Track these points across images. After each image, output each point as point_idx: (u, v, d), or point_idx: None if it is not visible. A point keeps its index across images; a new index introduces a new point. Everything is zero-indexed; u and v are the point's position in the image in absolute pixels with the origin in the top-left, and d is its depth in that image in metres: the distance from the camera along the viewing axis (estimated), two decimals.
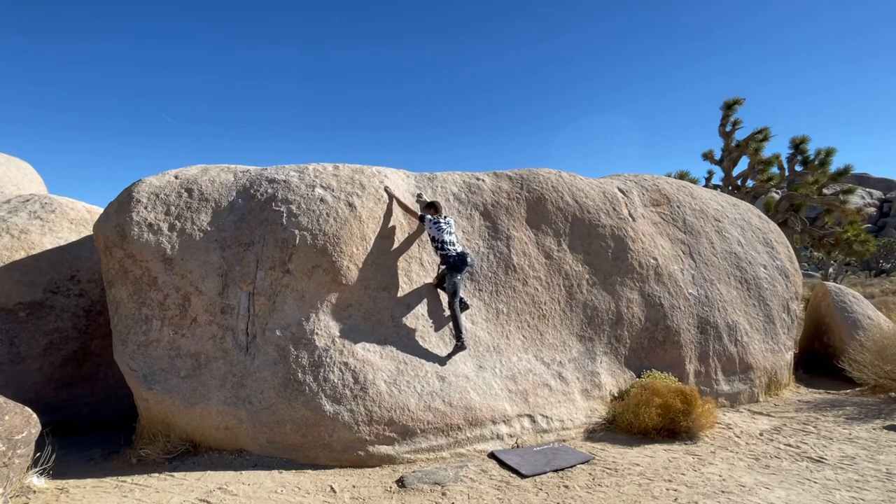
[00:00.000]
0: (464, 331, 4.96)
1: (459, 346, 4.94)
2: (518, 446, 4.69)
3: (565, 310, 5.87)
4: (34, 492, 3.56)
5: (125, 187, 5.11)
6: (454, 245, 5.09)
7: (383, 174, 5.75)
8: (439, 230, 5.11)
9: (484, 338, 5.29)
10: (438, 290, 5.31)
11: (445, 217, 5.28)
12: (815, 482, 3.88)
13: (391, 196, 5.46)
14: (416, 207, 5.53)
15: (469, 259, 5.05)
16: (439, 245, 5.08)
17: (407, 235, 5.47)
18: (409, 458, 4.33)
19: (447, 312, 5.18)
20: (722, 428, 5.29)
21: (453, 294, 4.99)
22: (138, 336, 4.59)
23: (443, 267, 5.14)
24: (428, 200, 5.54)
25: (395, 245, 5.36)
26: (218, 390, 4.38)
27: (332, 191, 5.25)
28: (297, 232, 4.86)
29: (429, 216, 5.20)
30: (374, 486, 3.82)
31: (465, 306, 5.17)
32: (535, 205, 6.24)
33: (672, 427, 4.94)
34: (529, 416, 4.93)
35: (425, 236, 5.52)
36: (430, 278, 5.36)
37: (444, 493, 3.65)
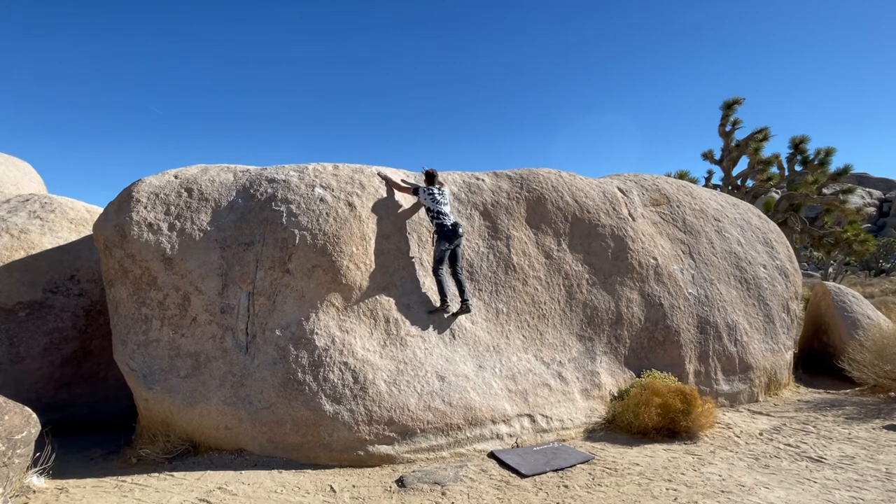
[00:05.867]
0: (448, 296, 5.13)
1: (441, 308, 5.12)
2: (518, 446, 4.70)
3: (565, 309, 5.87)
4: (34, 491, 3.56)
5: (125, 187, 5.11)
6: (448, 216, 5.28)
7: (384, 174, 5.75)
8: (434, 201, 5.28)
9: (484, 337, 5.29)
10: (433, 282, 5.32)
11: (440, 187, 5.48)
12: (815, 482, 3.88)
13: (384, 179, 5.61)
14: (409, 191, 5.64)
15: (461, 230, 5.23)
16: (434, 215, 5.24)
17: (406, 234, 5.46)
18: (408, 458, 4.33)
19: (447, 314, 5.19)
20: (722, 428, 5.29)
21: (439, 261, 5.15)
22: (138, 336, 4.59)
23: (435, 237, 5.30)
24: (426, 169, 5.66)
25: (396, 245, 5.36)
26: (218, 390, 4.38)
27: (332, 190, 5.25)
28: (296, 232, 4.86)
29: (423, 187, 5.40)
30: (373, 486, 3.82)
31: (467, 309, 5.15)
32: (535, 205, 6.24)
33: (672, 427, 4.94)
34: (529, 415, 4.93)
35: (425, 236, 5.52)
36: (430, 278, 5.36)
37: (443, 493, 3.65)
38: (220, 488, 3.67)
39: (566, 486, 3.80)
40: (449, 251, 5.21)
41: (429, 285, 5.32)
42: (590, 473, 4.06)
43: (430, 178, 5.54)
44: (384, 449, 4.30)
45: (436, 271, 5.16)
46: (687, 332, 6.24)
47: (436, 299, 5.23)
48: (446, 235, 5.16)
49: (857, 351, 6.85)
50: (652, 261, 6.46)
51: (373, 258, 5.14)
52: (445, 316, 5.19)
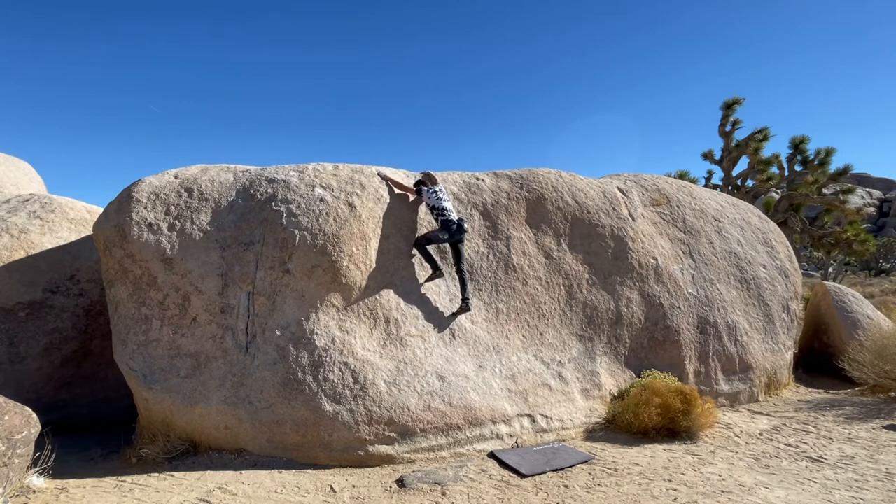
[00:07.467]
0: (437, 262, 5.22)
1: (435, 275, 5.18)
2: (518, 446, 4.70)
3: (565, 309, 5.87)
4: (34, 491, 3.56)
5: (125, 187, 5.11)
6: (452, 212, 5.33)
7: (383, 174, 5.75)
8: (438, 199, 5.33)
9: (484, 337, 5.29)
10: (433, 281, 5.32)
11: (440, 187, 5.54)
12: (815, 482, 3.88)
13: (385, 179, 5.65)
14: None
15: (466, 226, 5.31)
16: (440, 212, 5.28)
17: (406, 234, 5.46)
18: (408, 458, 4.33)
19: (447, 312, 5.19)
20: (722, 428, 5.29)
21: (428, 240, 5.22)
22: (138, 336, 4.59)
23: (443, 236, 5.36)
24: (421, 175, 5.75)
25: (396, 245, 5.36)
26: (218, 390, 4.38)
27: (332, 190, 5.25)
28: (296, 232, 4.86)
29: (426, 186, 5.47)
30: (373, 486, 3.82)
31: (467, 308, 5.16)
32: (535, 205, 6.24)
33: (672, 427, 4.94)
34: (529, 415, 4.93)
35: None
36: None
37: (443, 493, 3.66)
38: (220, 488, 3.67)
39: (566, 486, 3.80)
40: (449, 244, 5.27)
41: (428, 285, 5.33)
42: (590, 473, 4.06)
43: (430, 179, 5.58)
44: (384, 449, 4.30)
45: (419, 244, 5.19)
46: (687, 332, 6.24)
47: (435, 298, 5.23)
48: (451, 230, 5.19)
49: (857, 351, 6.85)
50: (652, 261, 6.46)
51: (373, 258, 5.15)
52: (445, 315, 5.20)
